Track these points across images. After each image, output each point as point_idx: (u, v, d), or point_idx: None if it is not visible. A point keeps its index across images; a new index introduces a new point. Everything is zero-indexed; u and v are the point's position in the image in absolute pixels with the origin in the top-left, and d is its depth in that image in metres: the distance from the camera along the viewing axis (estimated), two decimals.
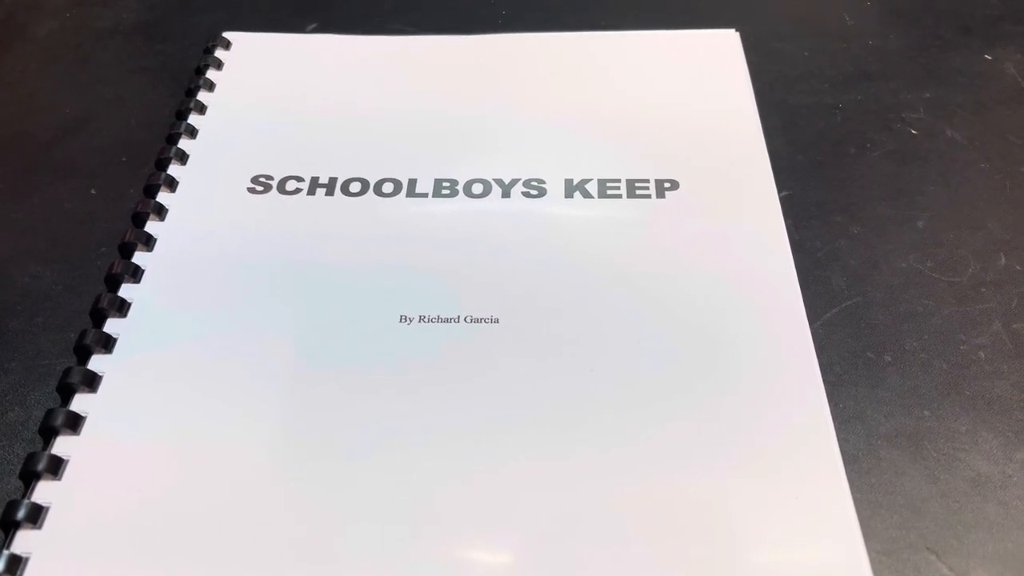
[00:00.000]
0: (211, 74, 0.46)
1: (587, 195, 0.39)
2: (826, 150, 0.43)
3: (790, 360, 0.33)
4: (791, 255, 0.37)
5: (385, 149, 0.42)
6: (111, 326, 0.34)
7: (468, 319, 0.34)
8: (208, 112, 0.44)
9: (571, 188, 0.39)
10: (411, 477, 0.30)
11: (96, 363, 0.33)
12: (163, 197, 0.39)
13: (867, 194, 0.40)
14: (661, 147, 0.41)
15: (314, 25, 0.50)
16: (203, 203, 0.39)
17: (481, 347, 0.34)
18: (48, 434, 0.31)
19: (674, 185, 0.39)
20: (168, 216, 0.39)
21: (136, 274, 0.36)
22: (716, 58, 0.46)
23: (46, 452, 0.30)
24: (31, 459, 0.30)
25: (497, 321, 0.34)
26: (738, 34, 0.47)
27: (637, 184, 0.40)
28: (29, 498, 0.29)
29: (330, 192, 0.40)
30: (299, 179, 0.40)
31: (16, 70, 0.49)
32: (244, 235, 0.38)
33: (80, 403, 0.32)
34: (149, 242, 0.37)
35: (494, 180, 0.40)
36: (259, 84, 0.45)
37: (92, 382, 0.32)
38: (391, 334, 0.34)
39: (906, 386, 0.33)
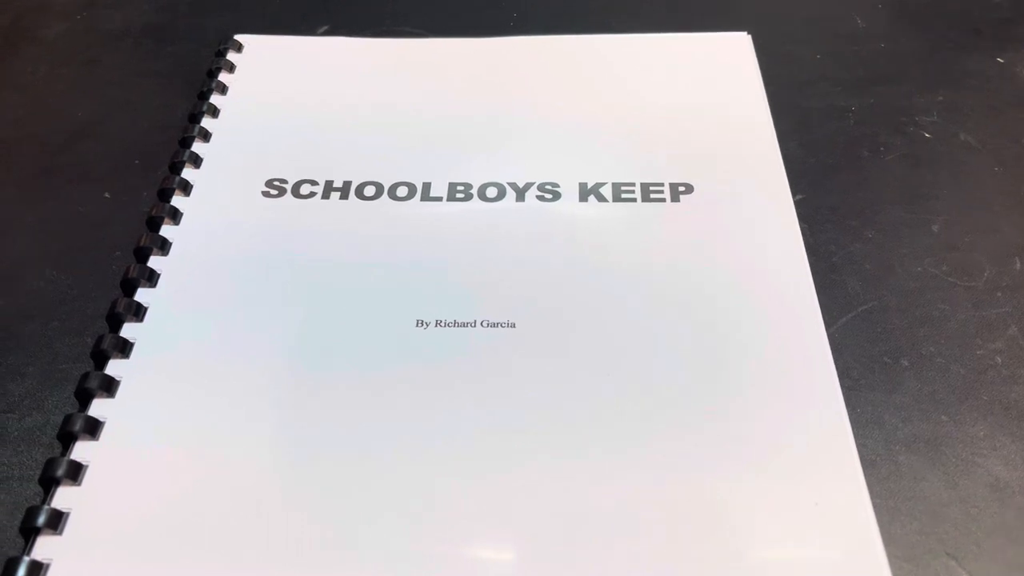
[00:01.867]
0: (223, 77, 0.46)
1: (601, 199, 0.39)
2: (839, 153, 0.43)
3: (807, 364, 0.33)
4: (806, 259, 0.37)
5: (399, 152, 0.42)
6: (128, 330, 0.34)
7: (485, 324, 0.34)
8: (221, 115, 0.44)
9: (585, 192, 0.39)
10: (430, 482, 0.30)
11: (113, 368, 0.33)
12: (177, 201, 0.39)
13: (881, 198, 0.40)
14: (674, 151, 0.41)
15: (325, 28, 0.50)
16: (217, 207, 0.39)
17: (498, 352, 0.34)
18: (67, 439, 0.31)
19: (688, 189, 0.39)
20: (183, 220, 0.39)
21: (152, 278, 0.36)
22: (728, 61, 0.46)
23: (65, 457, 0.30)
24: (50, 465, 0.30)
25: (514, 326, 0.34)
26: (750, 37, 0.47)
27: (651, 188, 0.40)
28: (49, 504, 0.29)
29: (344, 196, 0.40)
30: (313, 183, 0.40)
31: (26, 73, 0.49)
32: (259, 239, 0.38)
33: (98, 408, 0.32)
34: (164, 246, 0.37)
35: (508, 184, 0.40)
36: (272, 87, 0.45)
37: (110, 387, 0.32)
38: (408, 339, 0.34)
39: (923, 391, 0.33)
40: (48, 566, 0.28)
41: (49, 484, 0.30)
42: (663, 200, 0.39)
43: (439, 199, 0.39)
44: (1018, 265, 0.37)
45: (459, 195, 0.40)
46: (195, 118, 0.43)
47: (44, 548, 0.28)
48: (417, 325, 0.34)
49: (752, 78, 0.45)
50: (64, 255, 0.39)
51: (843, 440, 0.31)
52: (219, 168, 0.41)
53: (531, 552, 0.29)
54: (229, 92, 0.45)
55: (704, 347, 0.34)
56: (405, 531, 0.29)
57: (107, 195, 0.41)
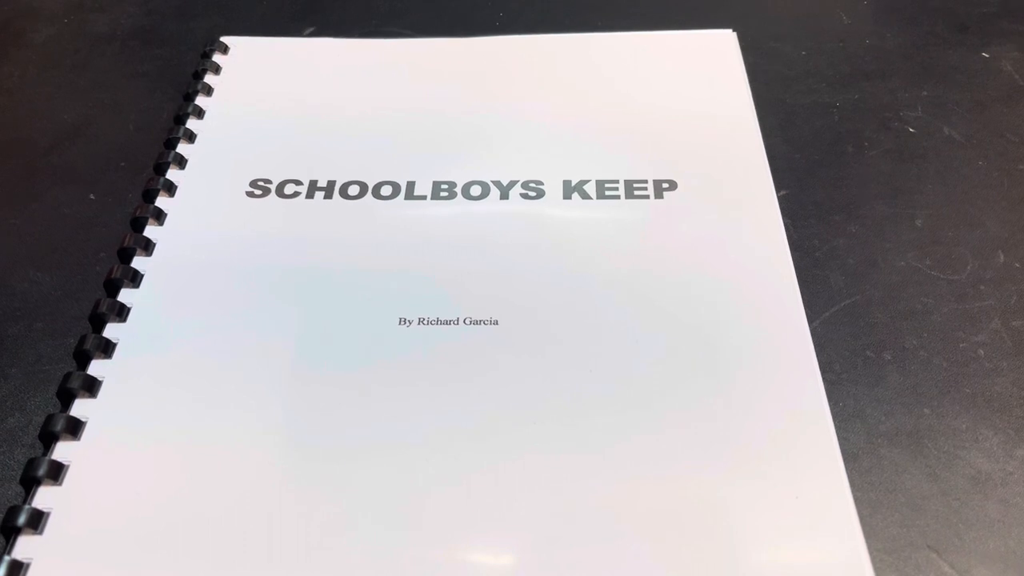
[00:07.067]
0: (209, 78, 0.46)
1: (585, 196, 0.39)
2: (824, 149, 0.43)
3: (790, 359, 0.33)
4: (790, 254, 0.37)
5: (383, 152, 0.42)
6: (111, 331, 0.34)
7: (467, 321, 0.34)
8: (206, 116, 0.44)
9: (569, 189, 0.39)
10: (412, 479, 0.30)
11: (96, 368, 0.33)
12: (162, 202, 0.39)
13: (865, 193, 0.40)
14: (659, 148, 0.41)
15: (311, 29, 0.50)
16: (202, 207, 0.39)
17: (480, 349, 0.34)
18: (48, 439, 0.31)
19: (672, 185, 0.39)
20: (167, 221, 0.39)
21: (135, 279, 0.36)
22: (713, 58, 0.46)
23: (46, 457, 0.30)
24: (31, 464, 0.30)
25: (496, 323, 0.34)
26: (735, 34, 0.47)
27: (635, 185, 0.40)
28: (30, 503, 0.29)
29: (328, 195, 0.40)
30: (298, 182, 0.40)
31: (14, 76, 0.49)
32: (243, 239, 0.38)
33: (80, 408, 0.32)
34: (148, 247, 0.37)
35: (492, 182, 0.40)
36: (257, 88, 0.46)
37: (92, 387, 0.32)
38: (390, 337, 0.34)
39: (906, 384, 0.33)
40: (28, 565, 0.28)
41: (30, 484, 0.30)
42: (647, 197, 0.39)
43: (423, 198, 0.39)
44: (1001, 258, 0.37)
45: (443, 194, 0.40)
46: (180, 119, 0.43)
47: (25, 547, 0.28)
48: (400, 323, 0.34)
49: (737, 75, 0.45)
50: (48, 256, 0.39)
51: (824, 434, 0.31)
52: (204, 169, 0.41)
53: (515, 549, 0.29)
54: (215, 93, 0.45)
55: (687, 342, 0.34)
56: (389, 529, 0.29)
57: (92, 196, 0.41)
